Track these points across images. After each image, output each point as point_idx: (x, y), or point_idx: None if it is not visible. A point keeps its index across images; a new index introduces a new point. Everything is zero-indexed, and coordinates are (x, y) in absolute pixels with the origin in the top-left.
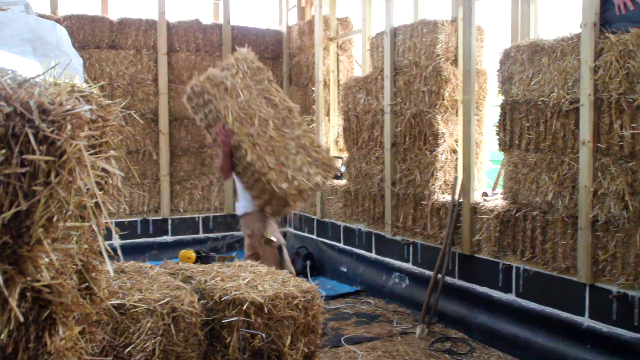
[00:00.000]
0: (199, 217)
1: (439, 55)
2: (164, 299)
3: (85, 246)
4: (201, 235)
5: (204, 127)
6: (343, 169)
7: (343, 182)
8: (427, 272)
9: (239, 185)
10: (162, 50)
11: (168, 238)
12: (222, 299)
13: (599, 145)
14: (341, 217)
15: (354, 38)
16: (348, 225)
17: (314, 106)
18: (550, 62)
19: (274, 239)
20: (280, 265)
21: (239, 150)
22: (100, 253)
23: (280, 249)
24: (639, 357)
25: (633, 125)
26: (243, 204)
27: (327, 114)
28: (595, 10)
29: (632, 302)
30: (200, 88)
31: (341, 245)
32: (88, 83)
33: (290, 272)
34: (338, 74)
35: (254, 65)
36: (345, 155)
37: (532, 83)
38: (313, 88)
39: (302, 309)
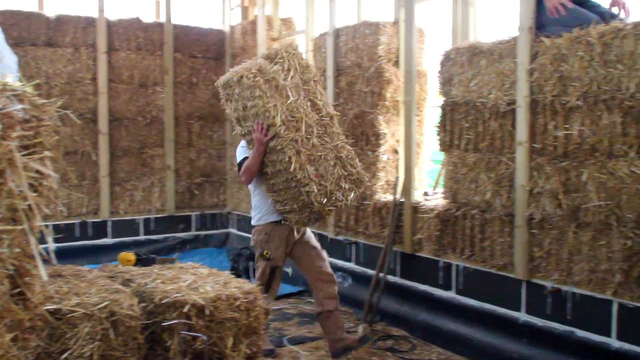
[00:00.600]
0: (139, 219)
1: (381, 57)
2: (102, 303)
3: (18, 250)
4: (142, 237)
5: (234, 118)
6: None
7: None
8: (370, 271)
9: (256, 194)
10: (102, 49)
11: (108, 240)
12: (162, 302)
13: (534, 145)
14: None
15: (297, 38)
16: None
17: None
18: (489, 64)
19: (270, 257)
20: (267, 285)
21: (278, 154)
22: (34, 257)
23: (273, 269)
24: (571, 349)
25: (566, 126)
26: (256, 215)
27: None
28: (531, 15)
29: (565, 296)
30: (252, 81)
31: None
32: (22, 81)
33: (267, 295)
34: None
35: (302, 62)
36: None
37: (471, 84)
38: None
39: (244, 310)
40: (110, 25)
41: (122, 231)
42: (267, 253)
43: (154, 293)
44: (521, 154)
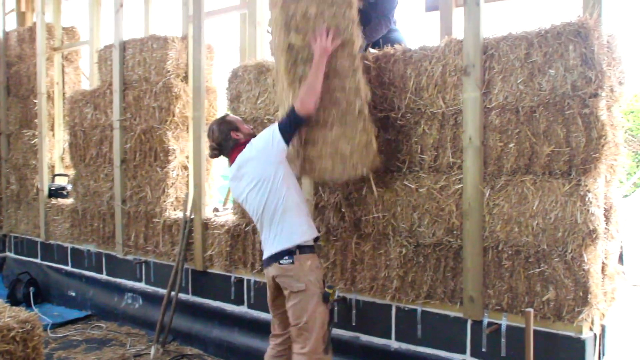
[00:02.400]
0: None
1: (169, 72)
2: None
3: None
4: None
5: (283, 24)
6: (70, 187)
7: (70, 201)
8: (161, 291)
9: (288, 207)
10: None
11: None
12: None
13: None
14: (68, 238)
15: (81, 49)
16: (76, 246)
17: (36, 120)
18: (275, 82)
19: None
20: (328, 332)
21: (343, 79)
22: None
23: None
24: (357, 354)
25: None
26: (294, 239)
27: (52, 129)
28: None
29: (350, 304)
30: None
31: (69, 268)
32: None
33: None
34: (63, 87)
35: None
36: (71, 172)
37: (259, 102)
38: (35, 100)
39: (20, 341)
40: None
41: None
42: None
43: None
44: None
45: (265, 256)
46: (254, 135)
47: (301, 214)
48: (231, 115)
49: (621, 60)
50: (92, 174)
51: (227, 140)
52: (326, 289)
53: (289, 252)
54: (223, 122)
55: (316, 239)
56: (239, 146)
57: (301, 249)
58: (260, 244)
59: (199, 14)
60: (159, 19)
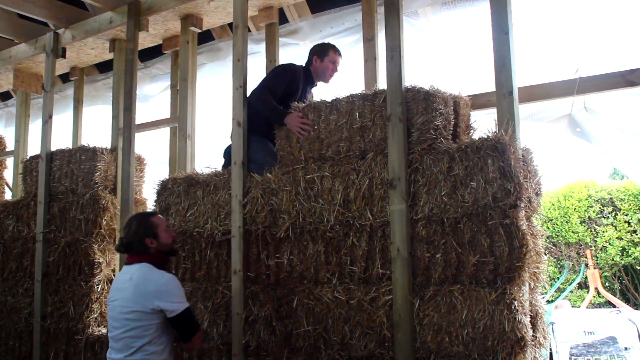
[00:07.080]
0: None
1: (97, 183)
2: None
3: None
4: None
5: None
6: None
7: None
8: None
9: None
10: None
11: None
12: None
13: (249, 274)
14: None
15: (6, 160)
16: None
17: None
18: (205, 195)
19: None
20: None
21: None
22: None
23: None
24: None
25: (277, 255)
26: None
27: None
28: (243, 151)
29: None
30: None
31: None
32: None
33: None
34: None
35: None
36: None
37: (188, 214)
38: None
39: None
40: None
41: None
42: None
43: None
44: (236, 283)
45: None
46: (171, 251)
47: (164, 353)
48: (158, 216)
49: (536, 172)
50: (10, 289)
51: (138, 244)
52: None
53: None
54: (145, 221)
55: None
56: (145, 256)
57: None
58: None
59: (130, 126)
60: (88, 130)
